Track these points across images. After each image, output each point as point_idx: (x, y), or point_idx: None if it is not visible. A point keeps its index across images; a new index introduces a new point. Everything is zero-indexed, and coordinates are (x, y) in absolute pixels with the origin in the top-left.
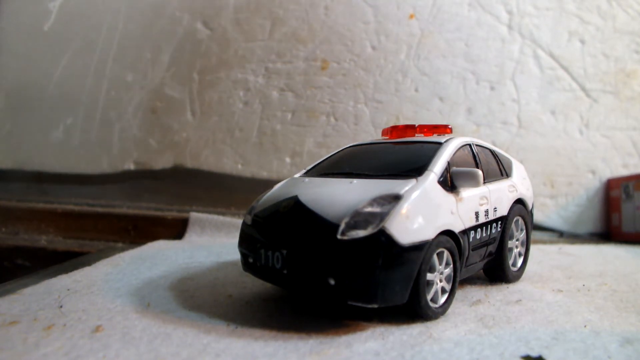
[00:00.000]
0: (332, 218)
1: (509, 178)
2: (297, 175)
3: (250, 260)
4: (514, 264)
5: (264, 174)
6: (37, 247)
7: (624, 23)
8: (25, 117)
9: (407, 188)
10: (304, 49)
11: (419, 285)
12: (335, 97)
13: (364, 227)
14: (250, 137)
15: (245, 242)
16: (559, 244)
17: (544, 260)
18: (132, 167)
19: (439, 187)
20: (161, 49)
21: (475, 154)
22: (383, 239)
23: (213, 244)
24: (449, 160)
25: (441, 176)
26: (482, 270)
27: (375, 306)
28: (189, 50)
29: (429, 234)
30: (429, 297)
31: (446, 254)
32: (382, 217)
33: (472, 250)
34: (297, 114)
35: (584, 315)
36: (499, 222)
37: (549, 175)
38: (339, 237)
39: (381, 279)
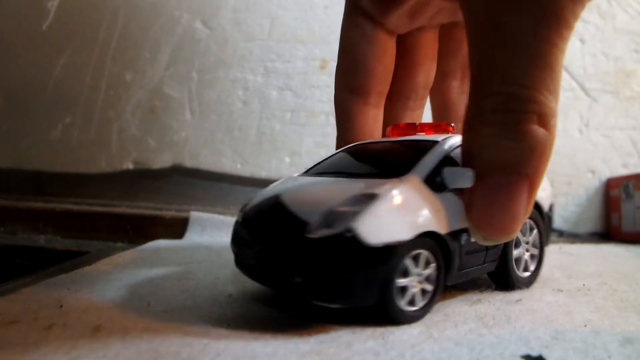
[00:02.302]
0: (305, 216)
1: None
2: (295, 175)
3: (238, 257)
4: (525, 269)
5: (262, 174)
6: (35, 247)
7: (624, 22)
8: (24, 116)
9: (385, 187)
10: (303, 48)
11: (391, 288)
12: (333, 97)
13: (334, 226)
14: (249, 136)
15: (235, 239)
16: (559, 243)
17: (543, 260)
18: (130, 166)
19: (423, 186)
20: (160, 48)
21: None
22: (349, 238)
23: (213, 243)
24: (441, 158)
25: (428, 175)
26: (488, 275)
27: (339, 306)
28: (188, 49)
29: (404, 235)
30: (404, 300)
31: (426, 255)
32: (352, 216)
33: (467, 254)
34: (296, 113)
35: (584, 314)
36: None
37: (549, 175)
38: (307, 235)
39: (346, 279)
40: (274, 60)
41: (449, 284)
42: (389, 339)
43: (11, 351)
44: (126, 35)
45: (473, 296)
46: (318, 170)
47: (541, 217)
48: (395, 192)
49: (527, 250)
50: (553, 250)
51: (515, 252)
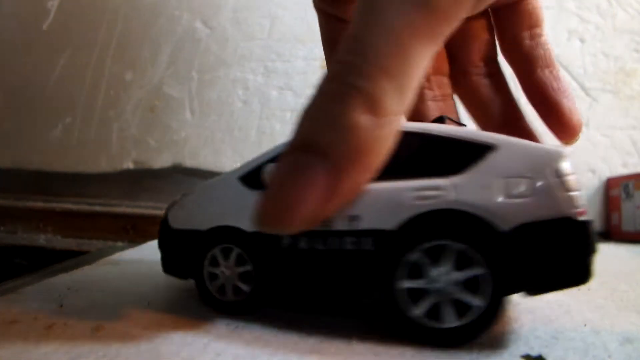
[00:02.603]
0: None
1: (449, 176)
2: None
3: None
4: (439, 318)
5: None
6: (35, 246)
7: (624, 22)
8: (24, 116)
9: (204, 183)
10: (303, 48)
11: (201, 272)
12: None
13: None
14: (250, 136)
15: None
16: None
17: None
18: (131, 166)
19: (236, 183)
20: (160, 47)
21: None
22: (164, 220)
23: None
24: (271, 156)
25: (245, 172)
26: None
27: (164, 272)
28: (188, 49)
29: (202, 225)
30: (213, 287)
31: (238, 252)
32: (172, 204)
33: (306, 265)
34: (297, 113)
35: (584, 314)
36: (371, 238)
37: None
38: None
39: (162, 252)
40: (274, 60)
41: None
42: (388, 338)
43: (11, 351)
44: (126, 35)
45: None
46: None
47: (496, 245)
48: (201, 187)
49: (444, 293)
50: None
51: (411, 284)
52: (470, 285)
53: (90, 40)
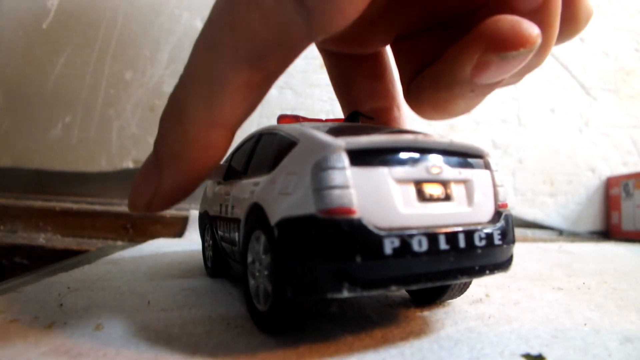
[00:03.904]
0: None
1: (268, 173)
2: None
3: None
4: (257, 297)
5: None
6: (35, 245)
7: (624, 21)
8: (24, 115)
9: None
10: None
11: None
12: (334, 95)
13: None
14: None
15: None
16: (558, 242)
17: (543, 259)
18: (130, 165)
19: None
20: (160, 47)
21: (256, 146)
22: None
23: None
24: (235, 152)
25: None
26: None
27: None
28: (188, 48)
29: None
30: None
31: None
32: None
33: (224, 241)
34: (296, 112)
35: (584, 313)
36: (237, 225)
37: (549, 174)
38: None
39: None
40: None
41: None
42: (388, 337)
43: (12, 350)
44: (126, 34)
45: (473, 295)
46: None
47: (270, 237)
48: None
49: (257, 272)
50: (553, 249)
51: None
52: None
53: (90, 40)
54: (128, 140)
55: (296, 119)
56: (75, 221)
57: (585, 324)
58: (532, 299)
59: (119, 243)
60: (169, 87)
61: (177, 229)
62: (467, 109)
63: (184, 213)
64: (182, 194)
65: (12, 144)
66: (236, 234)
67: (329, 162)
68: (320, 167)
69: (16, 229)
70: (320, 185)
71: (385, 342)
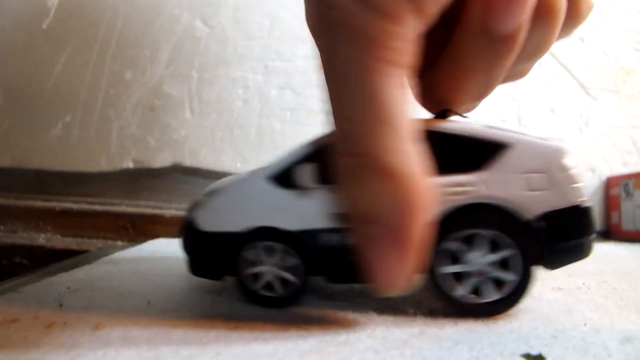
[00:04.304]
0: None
1: (471, 172)
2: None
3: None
4: (479, 293)
5: None
6: (35, 245)
7: (624, 21)
8: (24, 114)
9: (228, 182)
10: (303, 47)
11: (239, 270)
12: None
13: (187, 214)
14: (250, 135)
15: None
16: None
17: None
18: (130, 165)
19: (265, 182)
20: (160, 46)
21: None
22: (191, 224)
23: None
24: (303, 155)
25: (275, 172)
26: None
27: (192, 274)
28: (188, 48)
29: (237, 226)
30: (259, 284)
31: (282, 248)
32: (195, 205)
33: (336, 255)
34: (297, 112)
35: (583, 313)
36: None
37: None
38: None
39: (191, 255)
40: (274, 59)
41: (337, 282)
42: (388, 337)
43: (11, 350)
44: (126, 33)
45: None
46: None
47: (523, 230)
48: (230, 187)
49: (482, 273)
50: None
51: (454, 268)
52: (502, 265)
53: (90, 39)
54: (128, 140)
55: None
56: (75, 221)
57: (585, 324)
58: (532, 299)
59: (119, 243)
60: (169, 87)
61: (176, 229)
62: (489, 85)
63: (184, 213)
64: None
65: (12, 144)
66: None
67: (570, 162)
68: (568, 167)
69: (16, 229)
70: (575, 181)
71: (385, 342)
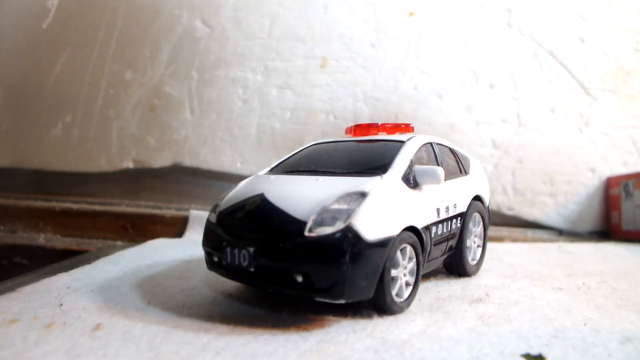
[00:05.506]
0: (299, 215)
1: (467, 175)
2: (261, 173)
3: (215, 259)
4: (473, 258)
5: (262, 172)
6: (35, 246)
7: (624, 21)
8: (24, 114)
9: (372, 185)
10: (303, 47)
11: (384, 281)
12: (334, 95)
13: (331, 224)
14: (249, 135)
15: (210, 240)
16: (558, 242)
17: (543, 259)
18: (130, 165)
19: (402, 184)
20: (160, 47)
21: (435, 152)
22: (350, 235)
23: None
24: (411, 158)
25: (404, 174)
26: (442, 265)
27: (343, 302)
28: (188, 48)
29: (394, 230)
30: (394, 292)
31: (409, 249)
32: (348, 213)
33: (434, 245)
34: (296, 112)
35: (584, 313)
36: (459, 218)
37: (549, 174)
38: (306, 234)
39: (348, 275)
40: (274, 59)
41: (422, 273)
42: (388, 337)
43: (11, 350)
44: (126, 34)
45: (473, 295)
46: (286, 168)
47: (485, 210)
48: (382, 189)
49: (474, 242)
50: (553, 249)
51: (467, 243)
52: None
53: (90, 39)
54: (128, 140)
55: (375, 127)
56: (75, 221)
57: (585, 324)
58: (532, 298)
59: (119, 243)
60: (169, 87)
61: (177, 229)
62: None
63: (184, 213)
64: None
65: (12, 144)
66: (455, 226)
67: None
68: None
69: (16, 229)
70: None
71: (385, 342)
